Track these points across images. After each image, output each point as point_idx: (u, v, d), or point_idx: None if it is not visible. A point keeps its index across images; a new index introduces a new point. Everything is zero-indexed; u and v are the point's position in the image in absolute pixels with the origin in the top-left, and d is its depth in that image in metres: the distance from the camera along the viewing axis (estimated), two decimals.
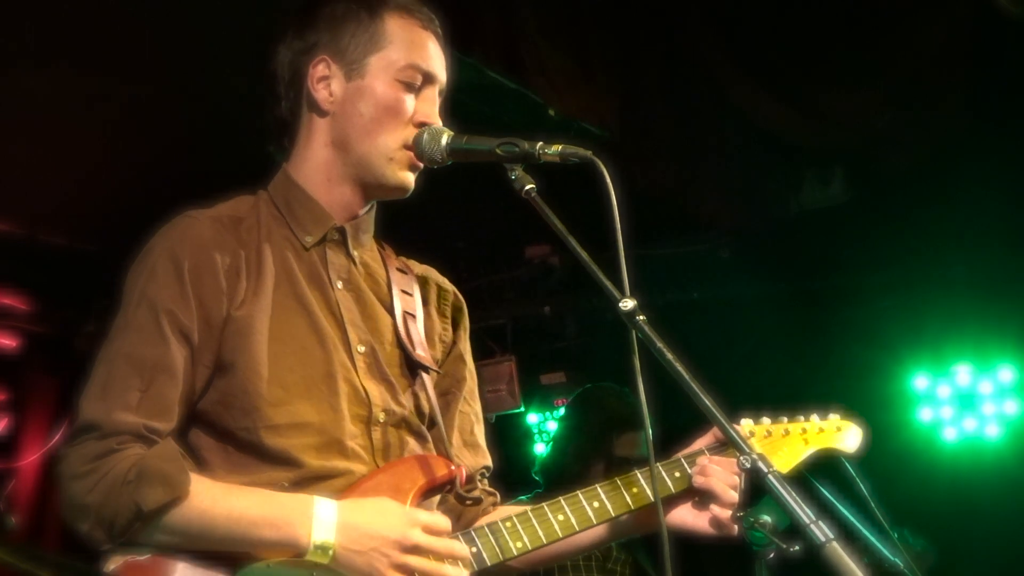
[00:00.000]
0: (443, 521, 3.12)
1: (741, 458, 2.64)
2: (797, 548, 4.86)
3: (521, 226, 8.58)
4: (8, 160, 6.82)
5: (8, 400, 7.98)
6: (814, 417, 3.65)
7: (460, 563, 3.12)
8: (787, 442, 3.59)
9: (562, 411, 7.24)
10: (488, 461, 3.58)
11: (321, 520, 2.96)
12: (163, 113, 6.57)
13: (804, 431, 3.61)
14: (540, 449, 9.27)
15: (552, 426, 9.19)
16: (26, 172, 6.97)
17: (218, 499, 2.96)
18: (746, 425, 3.56)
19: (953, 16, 6.87)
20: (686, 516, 3.45)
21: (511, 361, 9.02)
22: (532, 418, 9.35)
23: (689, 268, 8.80)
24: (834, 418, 3.66)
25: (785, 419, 3.63)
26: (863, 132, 7.64)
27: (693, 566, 3.47)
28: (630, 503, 3.38)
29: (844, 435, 3.65)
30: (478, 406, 3.61)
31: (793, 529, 2.70)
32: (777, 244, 8.48)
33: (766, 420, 3.61)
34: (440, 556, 3.06)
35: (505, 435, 9.21)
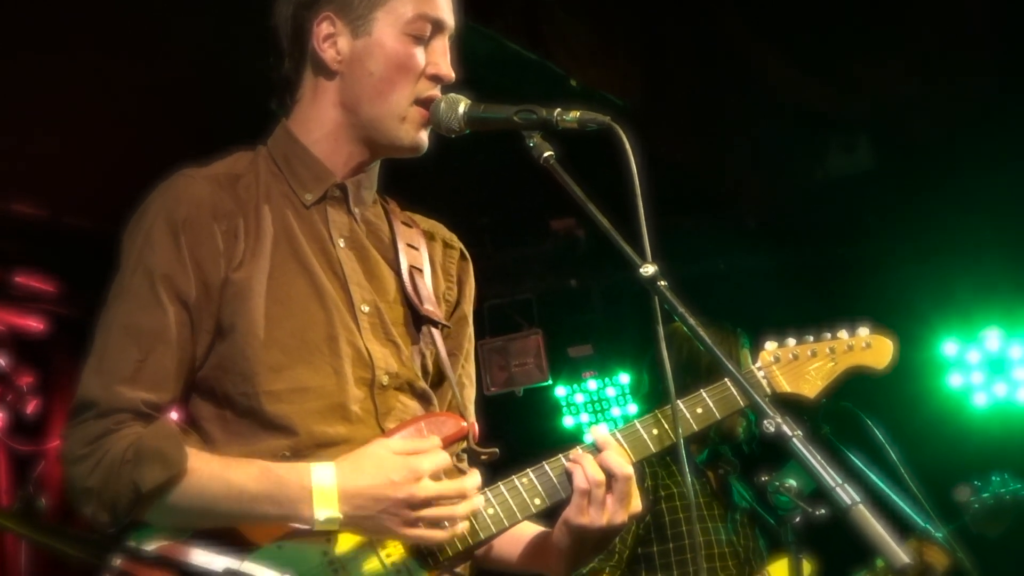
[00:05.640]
0: (443, 460, 2.99)
1: (764, 422, 2.59)
2: (823, 512, 4.88)
3: (546, 199, 8.55)
4: (32, 143, 6.81)
5: (36, 383, 7.99)
6: (842, 333, 3.53)
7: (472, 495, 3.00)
8: (814, 364, 3.48)
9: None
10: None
11: (322, 492, 2.88)
12: (188, 96, 6.55)
13: (832, 351, 3.49)
14: (569, 422, 9.26)
15: (580, 398, 9.21)
16: (50, 154, 6.96)
17: (216, 474, 2.90)
18: (770, 348, 3.45)
19: None
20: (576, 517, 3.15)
21: (538, 335, 9.02)
22: (560, 391, 9.31)
23: (715, 239, 8.75)
24: (863, 333, 3.54)
25: (811, 338, 3.50)
26: (889, 99, 7.59)
27: None
28: (651, 446, 3.21)
29: (874, 351, 3.54)
30: (471, 367, 3.47)
31: (819, 493, 2.68)
32: (803, 213, 8.43)
33: (791, 341, 3.48)
34: (451, 499, 2.96)
35: (534, 408, 9.22)
